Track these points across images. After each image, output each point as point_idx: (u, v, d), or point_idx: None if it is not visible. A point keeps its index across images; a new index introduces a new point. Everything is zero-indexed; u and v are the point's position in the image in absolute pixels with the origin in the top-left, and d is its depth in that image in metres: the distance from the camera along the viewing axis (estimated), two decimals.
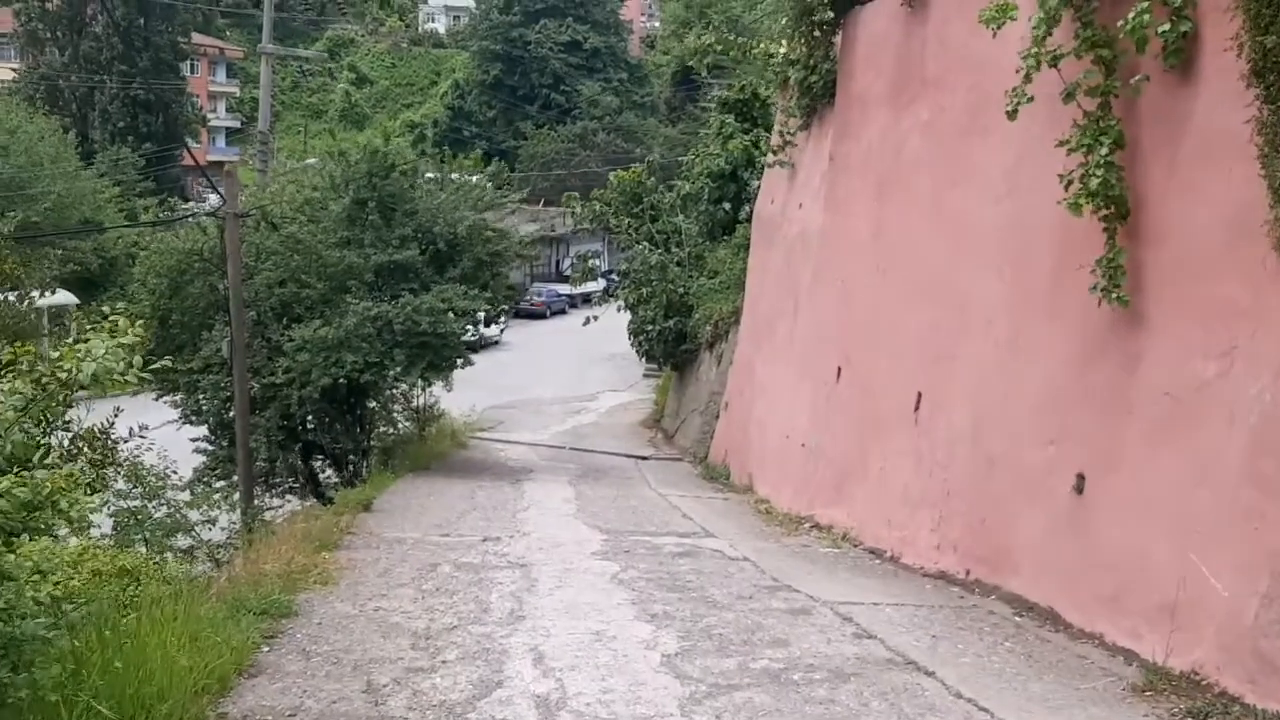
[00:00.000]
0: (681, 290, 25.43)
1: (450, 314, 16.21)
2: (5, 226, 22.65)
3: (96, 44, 62.78)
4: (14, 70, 64.22)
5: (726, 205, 25.62)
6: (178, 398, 17.60)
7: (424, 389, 21.27)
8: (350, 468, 18.45)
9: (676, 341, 25.58)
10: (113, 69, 61.81)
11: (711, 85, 60.51)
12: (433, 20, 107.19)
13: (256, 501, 17.06)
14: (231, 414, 16.60)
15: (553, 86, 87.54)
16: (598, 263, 33.28)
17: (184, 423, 17.43)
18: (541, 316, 52.87)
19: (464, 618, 7.13)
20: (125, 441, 14.34)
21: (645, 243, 26.72)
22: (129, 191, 50.78)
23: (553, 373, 38.66)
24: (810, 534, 11.83)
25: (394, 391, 19.20)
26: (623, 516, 12.56)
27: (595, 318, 27.76)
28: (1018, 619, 7.57)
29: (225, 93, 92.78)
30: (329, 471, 19.05)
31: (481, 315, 17.83)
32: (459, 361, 17.41)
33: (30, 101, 54.36)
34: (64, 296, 33.30)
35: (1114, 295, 6.96)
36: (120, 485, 14.19)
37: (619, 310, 28.06)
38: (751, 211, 22.36)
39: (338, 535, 9.95)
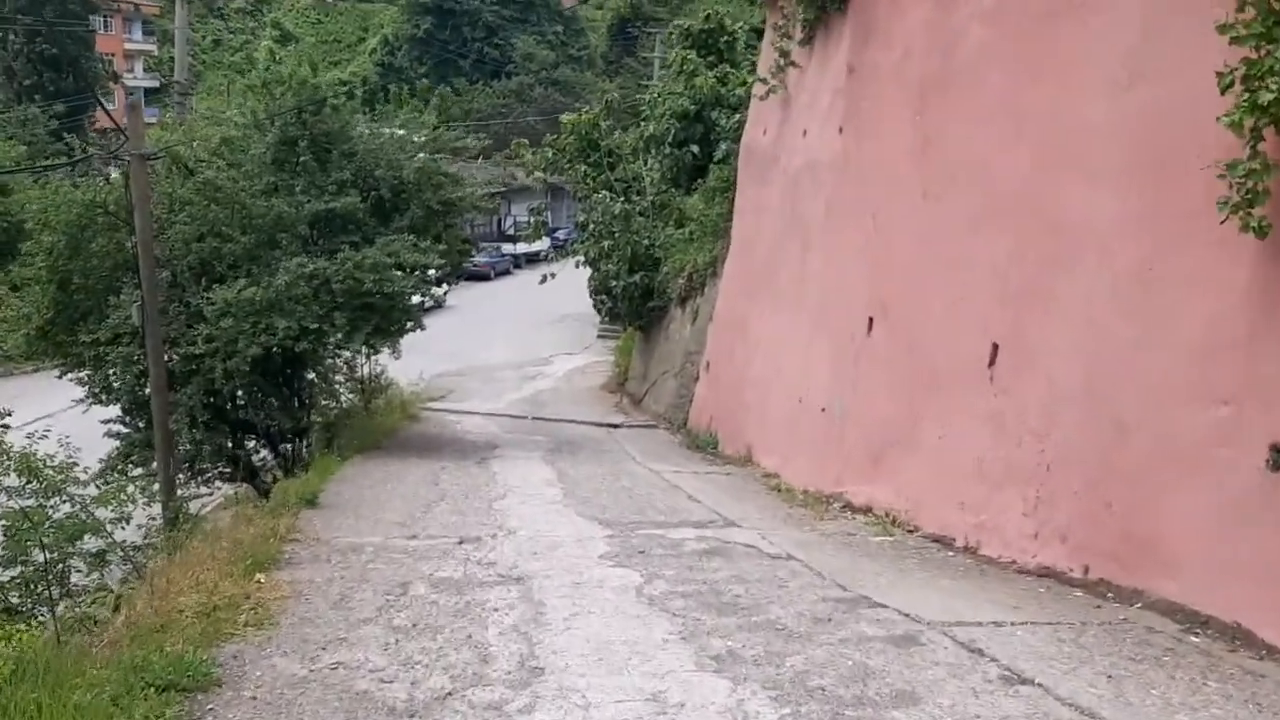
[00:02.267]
0: (647, 242, 23.31)
1: (398, 271, 13.97)
2: None
3: None
4: None
5: (694, 148, 23.48)
6: (84, 374, 15.19)
7: (369, 357, 19.04)
8: (289, 449, 16.21)
9: (643, 298, 23.49)
10: (15, 23, 57.76)
11: (651, 35, 58.35)
12: None
13: (181, 491, 14.80)
14: (148, 391, 14.25)
15: (486, 40, 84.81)
16: (546, 218, 30.88)
17: (91, 403, 15.03)
18: (486, 278, 50.37)
19: (459, 676, 5.06)
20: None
21: (605, 191, 24.51)
22: (39, 154, 47.23)
23: (502, 336, 36.50)
24: (847, 517, 9.90)
25: (335, 361, 16.94)
26: (619, 502, 10.54)
27: (553, 275, 25.57)
28: (1195, 639, 5.69)
29: (142, 51, 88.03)
30: (265, 453, 16.79)
31: (433, 273, 15.53)
32: (409, 325, 15.21)
33: None
34: None
35: (1250, 222, 5.29)
36: (11, 481, 11.92)
37: (577, 266, 25.89)
38: (724, 153, 20.39)
39: (276, 545, 7.80)
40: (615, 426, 20.16)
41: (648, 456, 14.82)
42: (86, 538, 12.18)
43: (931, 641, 5.65)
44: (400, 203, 15.00)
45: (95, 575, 12.06)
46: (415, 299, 14.69)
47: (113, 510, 12.52)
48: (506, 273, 53.70)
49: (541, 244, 54.58)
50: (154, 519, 13.22)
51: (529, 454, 15.00)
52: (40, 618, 11.20)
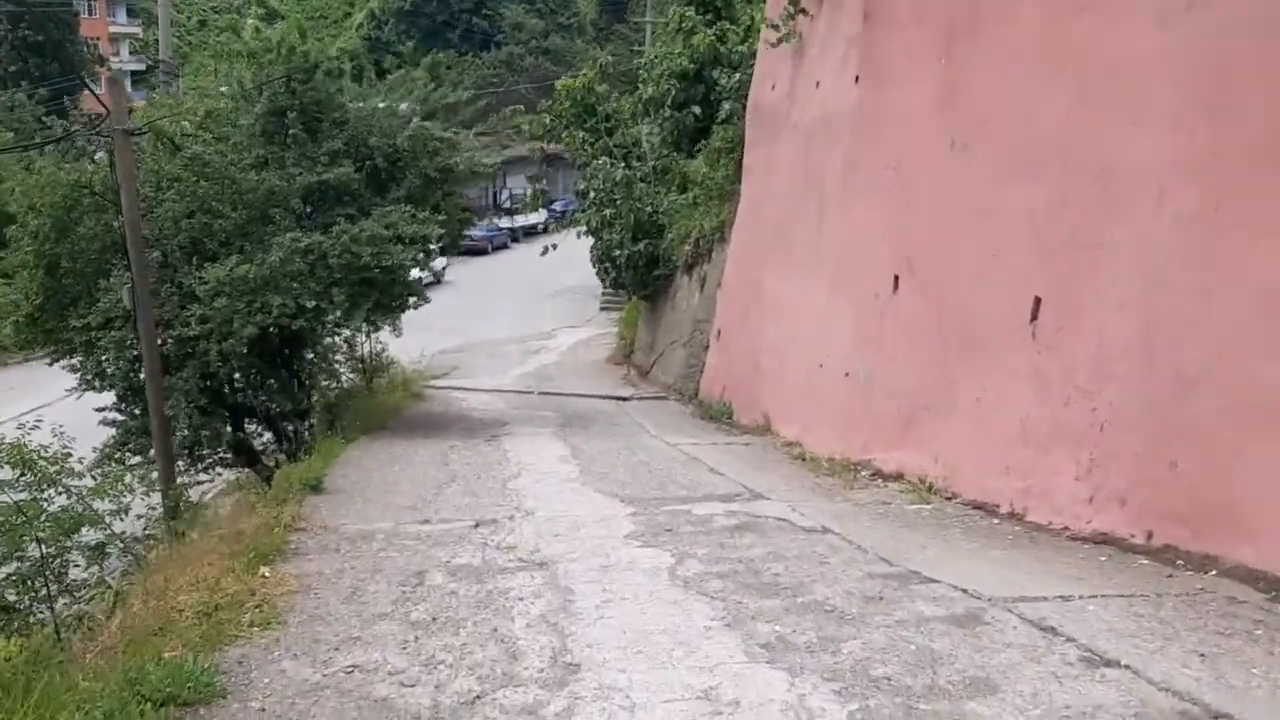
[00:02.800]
0: (650, 209, 22.75)
1: (397, 243, 13.42)
2: None
3: None
4: None
5: (695, 109, 22.88)
6: (76, 360, 14.69)
7: (369, 335, 18.55)
8: (290, 431, 15.74)
9: (648, 267, 22.94)
10: None
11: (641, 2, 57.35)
12: None
13: (181, 479, 14.34)
14: (142, 376, 13.77)
15: (474, 11, 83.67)
16: (545, 187, 30.23)
17: (84, 390, 14.54)
18: (483, 252, 49.80)
19: (487, 676, 4.60)
20: None
21: (604, 158, 23.89)
22: (27, 139, 46.47)
23: (503, 311, 36.03)
24: (879, 485, 9.44)
25: (334, 340, 16.45)
26: (638, 477, 10.06)
27: (554, 246, 25.04)
28: None
29: (127, 34, 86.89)
30: (266, 436, 16.33)
31: (434, 247, 14.97)
32: (410, 301, 14.68)
33: None
34: None
35: None
36: (4, 474, 11.45)
37: (579, 236, 25.32)
38: (728, 112, 19.78)
39: (281, 535, 7.33)
40: (624, 399, 19.70)
41: (662, 429, 14.34)
42: (84, 530, 11.77)
43: (997, 620, 5.18)
44: (396, 172, 14.45)
45: (94, 569, 11.64)
46: (416, 273, 14.15)
47: (110, 501, 12.10)
48: (504, 247, 53.10)
49: (539, 216, 54.09)
50: (153, 509, 12.76)
51: (539, 430, 14.52)
52: (38, 615, 10.78)
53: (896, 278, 10.05)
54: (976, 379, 8.52)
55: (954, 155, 9.09)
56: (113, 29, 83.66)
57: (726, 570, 6.32)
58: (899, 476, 9.51)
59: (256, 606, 5.62)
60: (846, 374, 11.03)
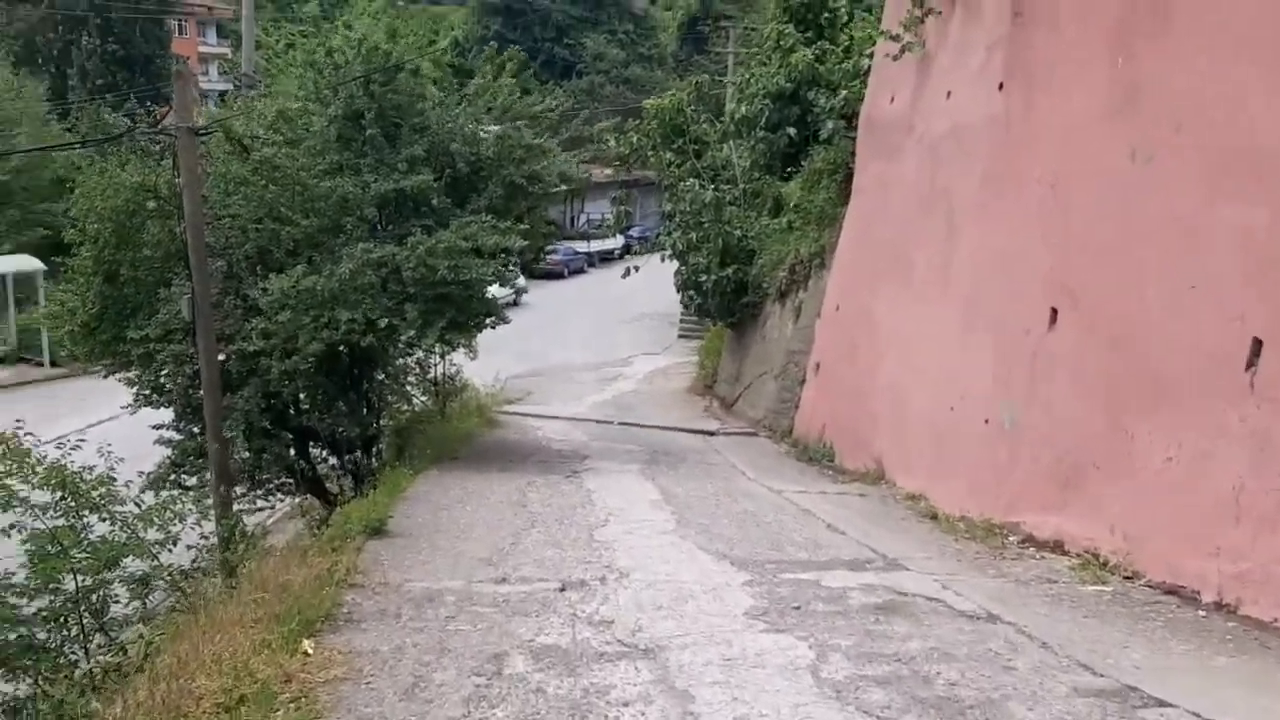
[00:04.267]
0: (739, 233, 21.49)
1: (475, 256, 12.29)
2: None
3: None
4: None
5: (790, 130, 21.60)
6: (132, 374, 13.77)
7: (443, 356, 17.46)
8: (356, 456, 14.67)
9: (736, 293, 21.64)
10: (89, 23, 57.58)
11: (723, 30, 56.56)
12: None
13: (238, 505, 13.31)
14: (201, 393, 12.79)
15: (556, 40, 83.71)
16: (630, 208, 29.12)
17: (140, 405, 13.60)
18: (559, 276, 48.80)
19: None
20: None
21: (692, 179, 22.69)
22: (101, 150, 46.67)
23: (579, 336, 34.94)
24: (1034, 556, 7.98)
25: (406, 360, 15.36)
26: (746, 532, 8.72)
27: (636, 269, 23.89)
28: None
29: (216, 54, 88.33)
30: (331, 459, 15.27)
31: (515, 262, 13.79)
32: (488, 320, 13.55)
33: (14, 63, 50.25)
34: (28, 262, 29.61)
35: None
36: (42, 496, 10.47)
37: (663, 260, 24.14)
38: (830, 132, 18.48)
39: (333, 594, 6.14)
40: (711, 434, 18.36)
41: (759, 471, 12.99)
42: (128, 561, 10.77)
43: None
44: (478, 181, 13.35)
45: (136, 604, 10.61)
46: (495, 291, 12.99)
47: (157, 530, 11.08)
48: (580, 271, 52.11)
49: (615, 242, 53.25)
50: (206, 538, 11.70)
51: (623, 466, 13.25)
52: (70, 655, 9.74)
53: (1054, 311, 8.62)
54: (1167, 435, 7.07)
55: (1135, 168, 7.67)
56: (202, 49, 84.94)
57: (885, 674, 4.97)
58: (1057, 546, 8.06)
59: (292, 700, 4.43)
60: (986, 420, 9.59)
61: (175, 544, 10.90)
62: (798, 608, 6.20)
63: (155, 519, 10.93)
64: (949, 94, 11.18)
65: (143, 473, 12.39)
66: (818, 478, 12.89)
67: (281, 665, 4.82)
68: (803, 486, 11.57)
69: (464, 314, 12.72)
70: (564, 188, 15.64)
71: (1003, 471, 9.19)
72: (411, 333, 12.35)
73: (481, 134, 13.44)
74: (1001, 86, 9.91)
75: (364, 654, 5.13)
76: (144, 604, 10.59)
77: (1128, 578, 7.09)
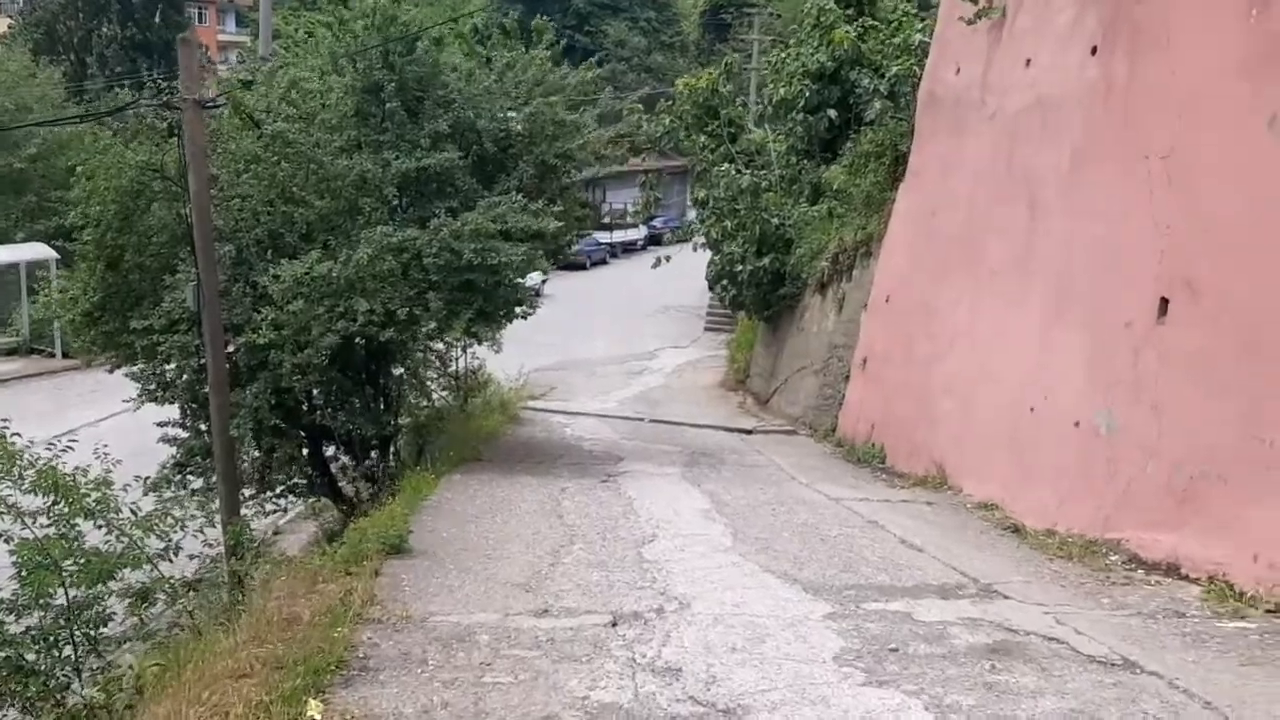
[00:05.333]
0: (776, 220, 20.42)
1: (505, 239, 11.31)
2: None
3: None
4: (10, 19, 59.53)
5: (831, 112, 20.49)
6: (138, 367, 12.87)
7: (465, 349, 16.52)
8: (373, 456, 13.73)
9: (773, 284, 20.58)
10: (110, 10, 56.94)
11: (748, 17, 55.43)
12: None
13: (246, 508, 12.42)
14: (208, 388, 11.86)
15: (577, 28, 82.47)
16: (660, 194, 28.09)
17: (144, 401, 12.69)
18: (581, 267, 47.77)
19: None
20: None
21: (726, 164, 21.64)
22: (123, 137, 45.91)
23: (603, 328, 34.00)
24: (1148, 580, 6.95)
25: (426, 354, 14.38)
26: (812, 549, 7.71)
27: (668, 258, 22.91)
28: None
29: (235, 43, 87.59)
30: (344, 458, 14.33)
31: (547, 249, 12.76)
32: (518, 309, 12.56)
33: (34, 50, 49.55)
34: (42, 251, 28.84)
35: None
36: (38, 502, 9.56)
37: (695, 249, 23.15)
38: (879, 112, 17.44)
39: (346, 632, 5.17)
40: (748, 432, 17.35)
41: (808, 474, 11.97)
42: (125, 572, 9.85)
43: None
44: (506, 160, 12.35)
45: (135, 619, 9.70)
46: (535, 278, 11.98)
47: (158, 537, 10.15)
48: (603, 262, 51.11)
49: (638, 233, 52.30)
50: (211, 545, 10.77)
51: (662, 469, 12.26)
52: (61, 677, 8.84)
53: (1165, 301, 7.58)
54: None
55: (1273, 137, 6.63)
56: (221, 37, 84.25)
57: None
58: (1172, 569, 7.04)
59: None
60: (1076, 424, 8.54)
61: (177, 553, 10.04)
62: (895, 650, 5.21)
63: (155, 526, 10.07)
64: (1029, 62, 10.13)
65: (142, 477, 11.45)
66: (873, 482, 11.87)
67: None
68: (862, 493, 10.55)
69: (491, 303, 11.74)
70: (598, 170, 14.59)
71: (1099, 482, 8.16)
72: (434, 324, 11.36)
73: (511, 111, 12.42)
74: (1095, 50, 8.86)
75: (383, 719, 4.16)
76: (142, 619, 9.72)
77: (1271, 610, 6.06)
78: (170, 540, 10.06)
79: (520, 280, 12.01)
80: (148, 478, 10.87)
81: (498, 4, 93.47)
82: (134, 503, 10.93)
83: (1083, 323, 8.70)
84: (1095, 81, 8.83)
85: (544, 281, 38.42)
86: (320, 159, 11.45)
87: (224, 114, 12.90)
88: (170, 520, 9.93)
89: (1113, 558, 7.52)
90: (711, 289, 24.12)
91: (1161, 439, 7.48)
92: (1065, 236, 9.17)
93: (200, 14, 79.29)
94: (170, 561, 10.00)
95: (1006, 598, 6.37)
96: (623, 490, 10.33)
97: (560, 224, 11.88)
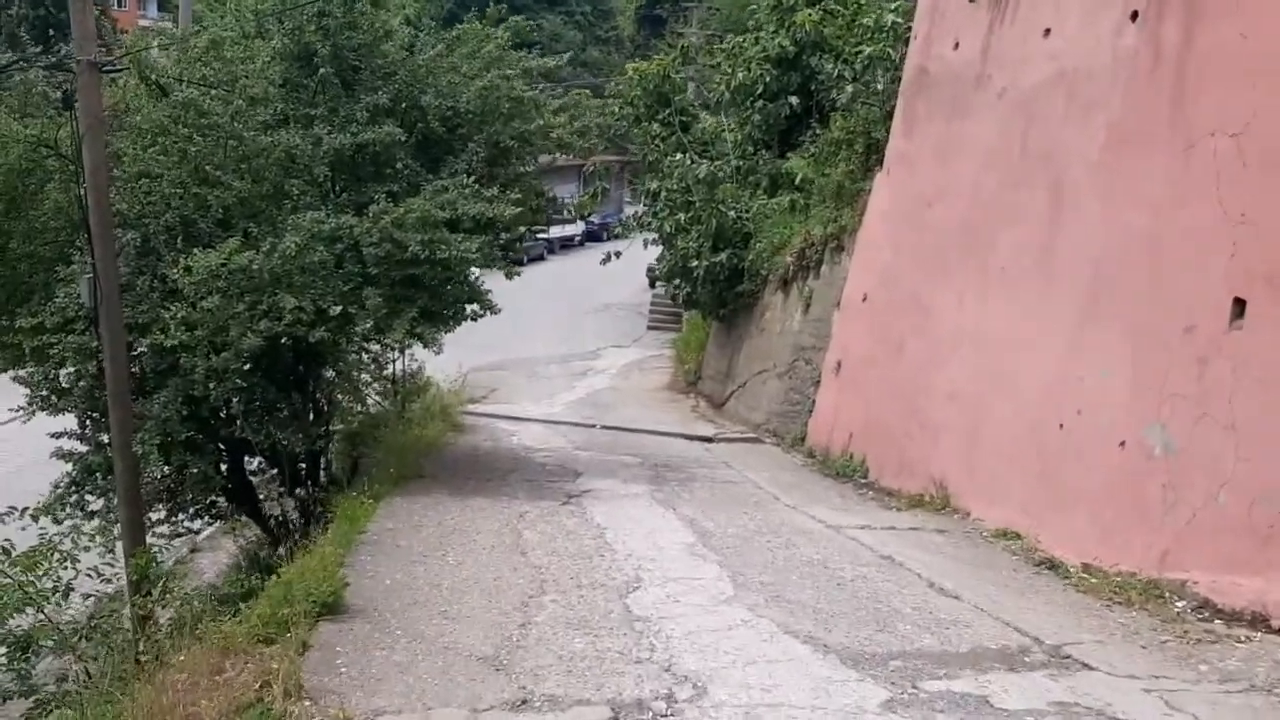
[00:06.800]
0: (734, 213, 19.22)
1: (455, 229, 9.93)
2: None
3: None
4: None
5: (792, 99, 19.39)
6: (27, 371, 11.24)
7: (403, 350, 15.04)
8: (300, 471, 12.25)
9: (730, 281, 19.38)
10: None
11: (686, 11, 54.40)
12: None
13: (153, 535, 10.90)
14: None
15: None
16: (606, 186, 26.69)
17: (34, 410, 11.07)
18: (518, 262, 46.22)
19: None
20: None
21: (679, 154, 20.40)
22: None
23: (542, 327, 32.49)
24: (1234, 635, 5.85)
25: (361, 355, 12.85)
26: (829, 596, 6.48)
27: (618, 254, 21.58)
28: None
29: (157, 29, 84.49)
30: (270, 471, 12.81)
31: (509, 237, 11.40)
32: (469, 309, 11.19)
33: None
34: None
35: None
36: None
37: (646, 245, 21.90)
38: (851, 96, 16.26)
39: None
40: (709, 440, 16.14)
41: (791, 493, 10.77)
42: (9, 616, 8.33)
43: None
44: (454, 141, 10.94)
45: (12, 674, 8.19)
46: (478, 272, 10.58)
47: (44, 576, 8.61)
48: (540, 258, 49.54)
49: (575, 229, 50.90)
50: (109, 581, 9.24)
51: (627, 486, 10.97)
52: None
53: (1239, 302, 6.49)
54: None
55: None
56: (143, 23, 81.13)
57: None
58: (1260, 620, 5.95)
59: None
60: (1122, 444, 7.43)
61: (67, 595, 8.52)
62: None
63: (41, 563, 8.55)
64: (1047, 32, 9.01)
65: (18, 509, 9.86)
66: (863, 502, 10.72)
67: None
68: (858, 518, 9.36)
69: (439, 301, 10.36)
70: (555, 158, 13.22)
71: (1153, 512, 7.06)
72: (371, 324, 9.92)
73: (460, 85, 11.01)
74: (1136, 15, 7.76)
75: None
76: (22, 674, 8.21)
77: None
78: (59, 580, 8.58)
79: (476, 277, 10.64)
80: (26, 509, 9.26)
81: None
82: (22, 526, 9.47)
83: (1125, 326, 7.60)
84: (1136, 51, 7.74)
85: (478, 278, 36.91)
86: (240, 133, 9.96)
87: (130, 84, 11.36)
88: (58, 556, 8.43)
89: (1180, 604, 6.42)
90: (657, 285, 22.95)
91: (1238, 464, 6.39)
92: (1100, 227, 8.06)
93: None
94: (58, 605, 8.51)
95: (1088, 667, 5.22)
96: (589, 516, 9.02)
97: (518, 210, 10.49)
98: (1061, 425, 8.21)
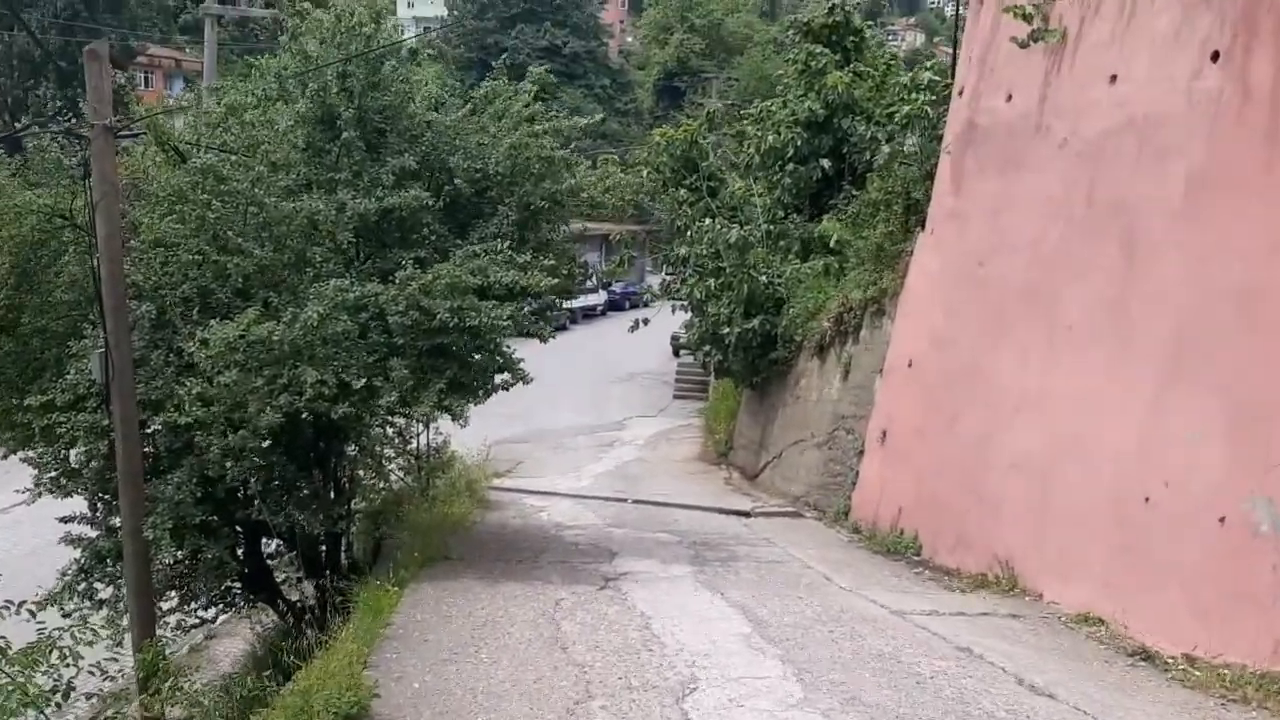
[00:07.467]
0: (766, 278, 18.71)
1: (486, 297, 9.41)
2: None
3: (30, 42, 55.65)
4: None
5: (824, 162, 19.04)
6: (36, 451, 10.71)
7: (427, 424, 14.43)
8: (321, 553, 11.62)
9: (763, 348, 18.82)
10: (46, 71, 54.76)
11: (705, 83, 54.60)
12: (402, 32, 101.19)
13: (164, 624, 10.29)
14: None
15: (533, 97, 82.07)
16: (635, 254, 26.31)
17: (42, 492, 10.51)
18: (559, 327, 45.86)
19: None
20: None
21: (708, 219, 19.97)
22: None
23: (567, 397, 31.91)
24: None
25: (385, 429, 12.26)
26: (915, 702, 5.78)
27: (645, 321, 21.09)
28: None
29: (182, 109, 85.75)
30: (288, 554, 12.18)
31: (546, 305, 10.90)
32: (500, 379, 10.64)
33: None
34: None
35: None
36: None
37: (675, 311, 21.41)
38: (887, 157, 15.75)
39: None
40: (746, 514, 15.44)
41: (843, 573, 10.06)
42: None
43: None
44: (484, 204, 10.49)
45: None
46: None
47: (47, 672, 7.98)
48: (562, 328, 49.18)
49: (598, 298, 50.66)
50: (112, 679, 8.59)
51: (667, 568, 10.28)
52: None
53: None
54: None
55: None
56: (169, 102, 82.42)
57: None
58: None
59: None
60: (1221, 520, 6.76)
61: (66, 697, 7.89)
62: None
63: (41, 658, 7.92)
64: (1113, 78, 8.50)
65: (14, 603, 9.22)
66: (921, 582, 9.99)
67: None
68: (924, 602, 8.64)
69: (467, 372, 9.81)
70: (585, 226, 12.73)
71: (1262, 595, 6.36)
72: (396, 396, 9.37)
73: (490, 146, 10.59)
74: (1217, 56, 7.24)
75: None
76: None
77: None
78: (60, 679, 7.94)
79: (505, 345, 10.12)
80: (24, 602, 8.66)
81: (451, 71, 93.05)
82: (26, 619, 8.84)
83: (1216, 387, 6.97)
84: (1219, 92, 7.20)
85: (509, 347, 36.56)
86: (261, 199, 9.52)
87: (148, 151, 11.00)
88: (54, 654, 7.79)
89: None
90: (682, 354, 22.36)
91: None
92: (1181, 280, 7.47)
93: (147, 78, 77.50)
94: (58, 707, 7.88)
95: None
96: (630, 602, 8.34)
97: (555, 280, 9.97)
98: (1147, 499, 7.53)
